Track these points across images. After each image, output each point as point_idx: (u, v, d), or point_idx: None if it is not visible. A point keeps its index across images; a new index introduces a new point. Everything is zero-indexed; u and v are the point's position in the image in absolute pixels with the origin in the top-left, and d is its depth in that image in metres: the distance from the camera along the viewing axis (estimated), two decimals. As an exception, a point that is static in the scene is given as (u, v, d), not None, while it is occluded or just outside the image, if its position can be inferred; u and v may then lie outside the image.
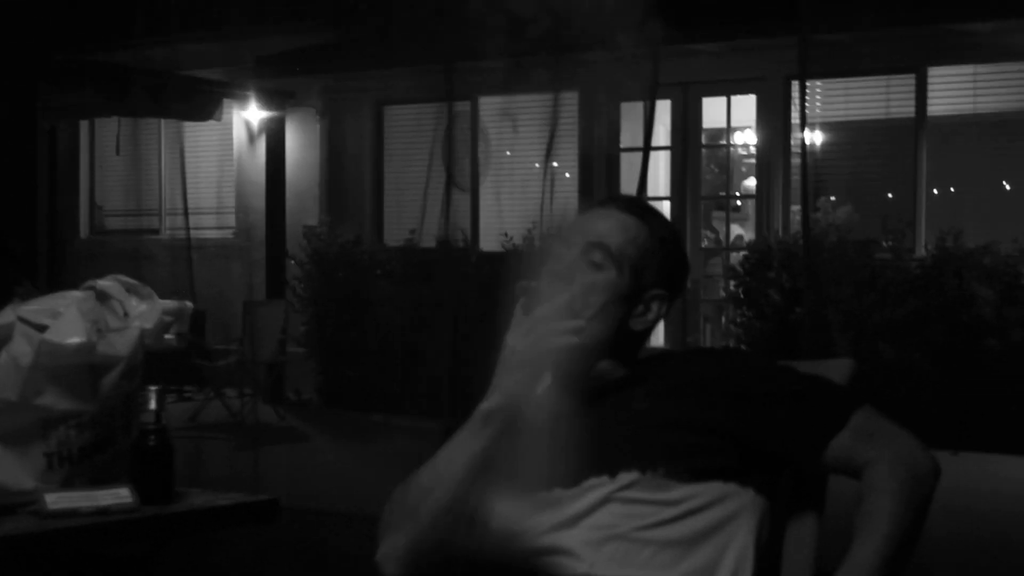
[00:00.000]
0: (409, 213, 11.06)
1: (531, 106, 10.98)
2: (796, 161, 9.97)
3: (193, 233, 12.31)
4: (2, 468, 2.43)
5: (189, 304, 2.75)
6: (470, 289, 9.34)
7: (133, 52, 11.49)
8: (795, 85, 9.69)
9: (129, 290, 2.69)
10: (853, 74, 9.90)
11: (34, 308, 2.57)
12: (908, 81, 9.81)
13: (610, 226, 2.01)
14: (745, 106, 10.57)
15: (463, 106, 10.93)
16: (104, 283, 2.68)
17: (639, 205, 2.09)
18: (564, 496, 1.89)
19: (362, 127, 11.84)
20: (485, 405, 1.93)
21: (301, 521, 3.52)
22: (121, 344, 2.57)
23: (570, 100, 10.55)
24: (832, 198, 10.02)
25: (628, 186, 10.45)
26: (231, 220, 12.47)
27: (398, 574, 1.99)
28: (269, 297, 11.19)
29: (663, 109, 10.31)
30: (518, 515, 1.94)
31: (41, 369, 2.48)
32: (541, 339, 1.89)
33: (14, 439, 2.48)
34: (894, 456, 1.86)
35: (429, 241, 10.29)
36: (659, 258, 2.02)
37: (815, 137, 10.06)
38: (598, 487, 1.88)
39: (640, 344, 2.05)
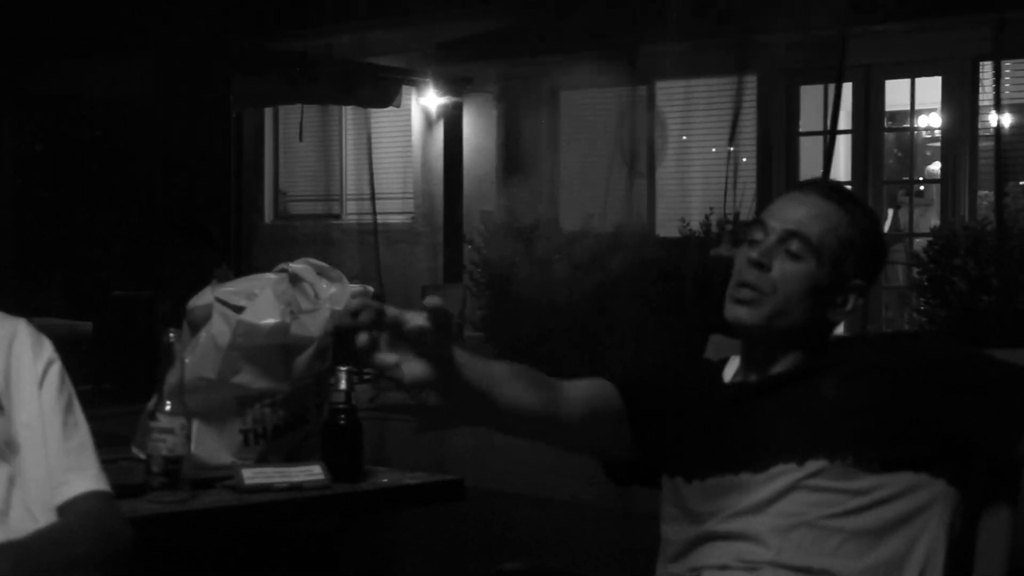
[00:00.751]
0: (586, 198, 11.07)
1: (708, 90, 10.87)
2: (983, 144, 9.67)
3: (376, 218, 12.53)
4: (201, 444, 2.52)
5: (370, 288, 2.81)
6: (648, 274, 9.30)
7: (317, 40, 11.74)
8: (984, 66, 9.41)
9: (320, 273, 2.76)
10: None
11: (231, 290, 2.66)
12: (1105, 60, 9.42)
13: (810, 214, 1.97)
14: (929, 88, 10.30)
15: (640, 91, 10.88)
16: (296, 266, 2.75)
17: (840, 192, 2.05)
18: (752, 481, 1.89)
19: (539, 112, 11.88)
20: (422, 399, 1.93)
21: (481, 502, 3.57)
22: (313, 325, 2.64)
23: (748, 83, 10.41)
24: (1022, 183, 9.69)
25: (808, 170, 10.28)
26: (412, 205, 12.65)
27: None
28: (447, 281, 11.33)
29: (845, 91, 10.11)
30: (703, 495, 1.94)
31: (238, 349, 2.56)
32: None
33: (213, 416, 2.58)
34: (1095, 449, 1.80)
35: (606, 226, 10.28)
36: (859, 249, 1.98)
37: (1004, 120, 9.75)
38: (786, 474, 1.87)
39: (831, 331, 2.02)
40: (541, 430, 2.01)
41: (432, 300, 1.70)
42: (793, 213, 1.98)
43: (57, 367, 1.94)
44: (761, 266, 1.95)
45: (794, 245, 1.95)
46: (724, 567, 1.86)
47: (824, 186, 2.06)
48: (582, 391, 2.03)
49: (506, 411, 1.92)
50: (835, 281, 1.96)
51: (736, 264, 1.99)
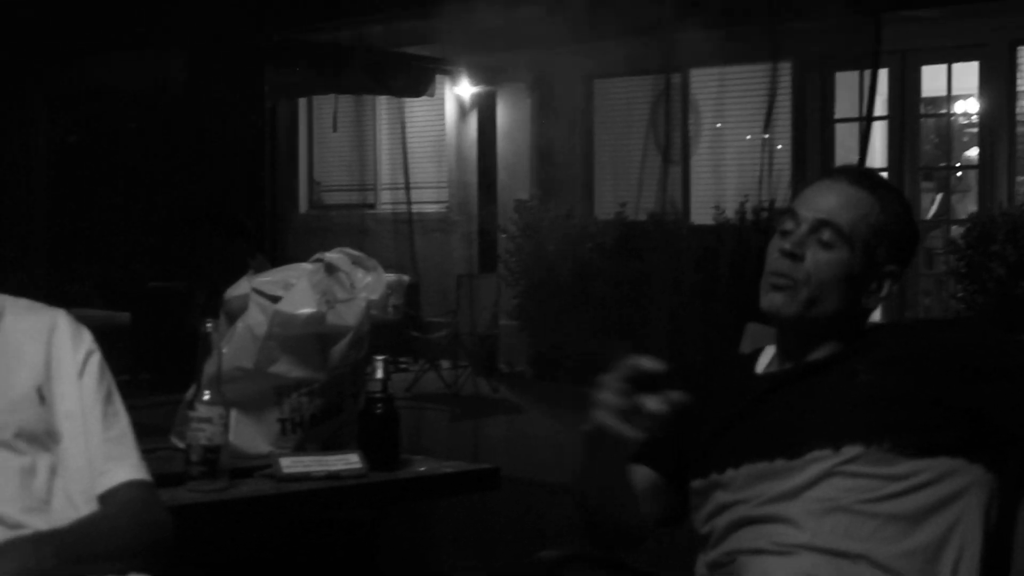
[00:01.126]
0: (620, 186, 11.05)
1: (743, 77, 10.83)
2: (1021, 130, 9.60)
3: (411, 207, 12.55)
4: (239, 433, 2.54)
5: (405, 277, 2.82)
6: (682, 263, 9.28)
7: (349, 30, 11.76)
8: (1021, 51, 9.34)
9: (355, 263, 2.78)
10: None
11: (267, 280, 2.68)
12: None
13: (840, 202, 1.96)
14: (966, 73, 10.22)
15: (674, 78, 10.85)
16: (332, 256, 2.77)
17: (870, 178, 2.04)
18: (787, 467, 1.88)
19: (573, 101, 11.86)
20: (584, 427, 1.89)
21: (516, 491, 3.58)
22: (349, 315, 2.65)
23: (783, 70, 10.37)
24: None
25: (843, 157, 10.23)
26: (446, 195, 12.67)
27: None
28: (482, 270, 11.34)
29: (880, 77, 10.05)
30: (739, 484, 1.94)
31: (275, 338, 2.58)
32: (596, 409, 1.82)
33: (250, 405, 2.59)
34: None
35: (641, 214, 10.26)
36: (892, 235, 1.97)
37: (1041, 105, 9.67)
38: (821, 460, 1.87)
39: (866, 318, 2.02)
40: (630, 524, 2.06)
41: (679, 396, 1.75)
42: (824, 202, 1.97)
43: (97, 357, 1.96)
44: (794, 256, 1.95)
45: (826, 234, 1.95)
46: (759, 551, 1.86)
47: (854, 173, 2.05)
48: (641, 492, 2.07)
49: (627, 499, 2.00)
50: (868, 268, 1.96)
51: (768, 254, 1.99)
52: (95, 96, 11.49)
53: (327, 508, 2.57)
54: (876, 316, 2.08)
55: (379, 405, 2.55)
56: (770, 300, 1.97)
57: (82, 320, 2.01)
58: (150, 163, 11.14)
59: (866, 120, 9.12)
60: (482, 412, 9.09)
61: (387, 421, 2.56)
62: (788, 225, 1.98)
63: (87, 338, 1.97)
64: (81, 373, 1.93)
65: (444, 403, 9.32)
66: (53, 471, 1.86)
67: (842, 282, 1.94)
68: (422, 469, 2.63)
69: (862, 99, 9.60)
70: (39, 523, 1.79)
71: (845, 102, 10.45)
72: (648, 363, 1.76)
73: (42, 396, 1.89)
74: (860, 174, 2.04)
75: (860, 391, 1.90)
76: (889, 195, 2.00)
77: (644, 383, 1.76)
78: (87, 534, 1.81)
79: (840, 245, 1.94)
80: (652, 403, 1.75)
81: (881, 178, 2.09)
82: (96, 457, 1.89)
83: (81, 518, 1.83)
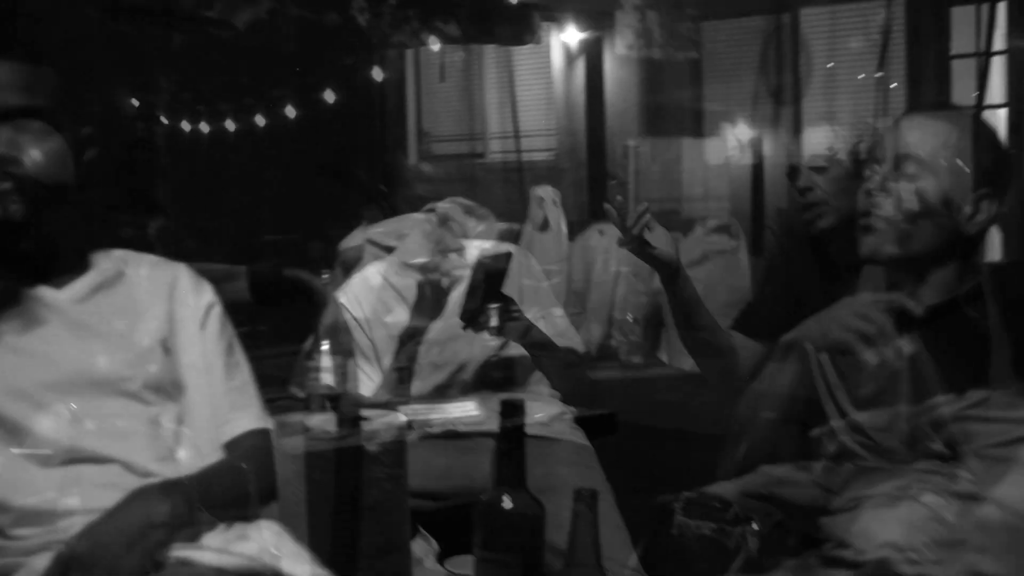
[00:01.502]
0: (730, 129, 10.91)
1: (855, 15, 10.61)
2: None
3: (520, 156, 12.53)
4: (357, 381, 2.57)
5: (515, 226, 2.83)
6: (796, 205, 9.16)
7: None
8: None
9: (467, 212, 2.79)
10: None
11: (381, 231, 2.71)
12: None
13: (919, 135, 1.96)
14: (1090, 4, 9.91)
15: (784, 18, 10.66)
16: (443, 206, 2.78)
17: (947, 108, 2.04)
18: (911, 412, 1.86)
19: (680, 44, 11.72)
20: (786, 336, 1.92)
21: (633, 436, 3.58)
22: (462, 264, 2.67)
23: (897, 6, 10.13)
24: None
25: (960, 94, 9.99)
26: (554, 142, 12.62)
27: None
28: (592, 217, 11.30)
29: (999, 10, 9.77)
30: (860, 430, 1.91)
31: (390, 288, 2.60)
32: (840, 328, 1.84)
33: (367, 354, 2.62)
34: None
35: (752, 157, 10.14)
36: (977, 157, 1.95)
37: None
38: (946, 404, 1.84)
39: (976, 248, 1.98)
40: None
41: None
42: (903, 138, 1.98)
43: (218, 310, 2.00)
44: (880, 193, 1.92)
45: (910, 167, 1.94)
46: (883, 495, 1.84)
47: (928, 107, 2.06)
48: None
49: None
50: (958, 193, 1.93)
51: (859, 202, 1.98)
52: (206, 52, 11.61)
53: (445, 454, 2.59)
54: (996, 256, 2.04)
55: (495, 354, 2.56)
56: (865, 244, 1.98)
57: (200, 273, 2.05)
58: (262, 119, 11.26)
59: (985, 55, 8.89)
60: (598, 357, 9.07)
61: (503, 369, 2.57)
62: (873, 168, 1.98)
63: (208, 291, 2.01)
64: (203, 325, 1.97)
65: (558, 350, 9.32)
66: (180, 421, 1.90)
67: (932, 211, 1.93)
68: (539, 416, 2.63)
69: (980, 34, 9.35)
70: (167, 471, 1.83)
71: (963, 37, 10.18)
72: (911, 303, 1.81)
73: (167, 348, 1.93)
74: (935, 107, 2.06)
75: (984, 334, 1.87)
76: (967, 121, 1.99)
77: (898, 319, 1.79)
78: (213, 481, 1.84)
79: (924, 174, 1.93)
80: (907, 344, 1.76)
81: (958, 107, 2.07)
82: (220, 407, 1.92)
83: (207, 466, 1.87)
